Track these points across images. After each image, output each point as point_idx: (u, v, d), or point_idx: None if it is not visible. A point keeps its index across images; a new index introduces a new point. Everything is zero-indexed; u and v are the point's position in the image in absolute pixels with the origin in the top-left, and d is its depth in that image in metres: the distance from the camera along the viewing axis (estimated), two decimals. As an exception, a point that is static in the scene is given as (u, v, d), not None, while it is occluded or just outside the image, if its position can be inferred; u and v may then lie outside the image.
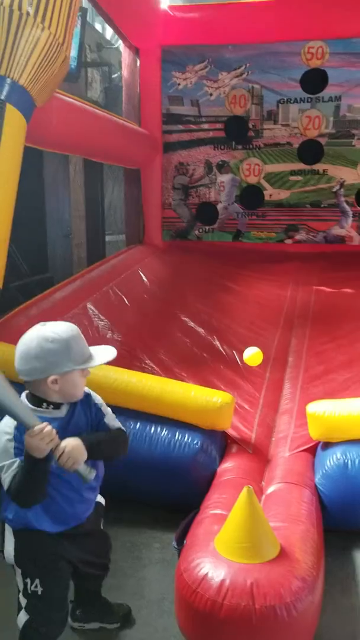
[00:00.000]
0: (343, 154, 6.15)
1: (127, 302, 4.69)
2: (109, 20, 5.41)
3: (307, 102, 6.09)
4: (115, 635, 2.10)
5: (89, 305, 4.23)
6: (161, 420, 2.72)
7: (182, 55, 6.24)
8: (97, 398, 1.84)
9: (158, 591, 2.29)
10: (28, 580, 1.74)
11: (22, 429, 1.57)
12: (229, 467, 2.69)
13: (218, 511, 2.23)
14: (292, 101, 6.13)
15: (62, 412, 1.72)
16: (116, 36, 8.39)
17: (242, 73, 6.17)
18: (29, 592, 1.74)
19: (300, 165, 6.25)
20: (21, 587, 1.76)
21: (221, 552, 1.92)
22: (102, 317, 4.14)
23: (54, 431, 1.56)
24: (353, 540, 2.61)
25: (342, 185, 6.20)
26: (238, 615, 1.75)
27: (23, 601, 1.77)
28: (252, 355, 2.99)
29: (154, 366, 3.61)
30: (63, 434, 1.63)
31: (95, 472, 1.68)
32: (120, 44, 8.37)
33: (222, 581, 1.81)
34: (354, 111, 6.00)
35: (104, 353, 1.74)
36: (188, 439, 2.70)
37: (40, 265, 7.09)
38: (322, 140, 6.15)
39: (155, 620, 2.15)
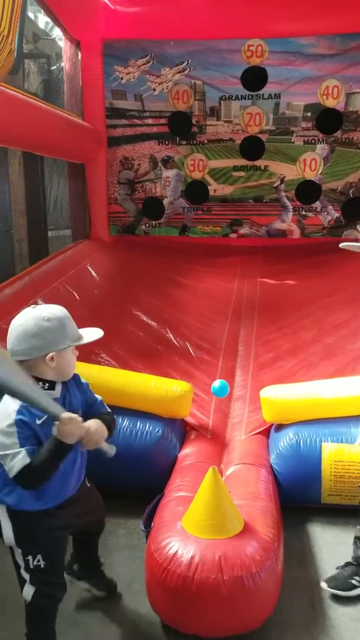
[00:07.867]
0: (283, 150, 6.35)
1: (77, 297, 4.70)
2: (48, 11, 5.35)
3: (248, 99, 6.24)
4: (92, 611, 2.17)
5: (40, 302, 4.22)
6: (122, 411, 2.79)
7: (124, 50, 6.25)
8: (82, 377, 1.92)
9: (127, 574, 2.37)
10: (30, 557, 1.78)
11: (25, 413, 1.63)
12: (189, 452, 2.80)
13: (182, 493, 2.34)
14: (233, 98, 6.27)
15: (57, 392, 1.77)
16: (51, 26, 8.26)
17: (184, 69, 6.26)
18: (32, 567, 1.78)
19: (243, 161, 6.41)
20: (22, 564, 1.80)
21: (189, 530, 2.02)
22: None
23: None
24: (307, 515, 2.78)
25: (282, 180, 6.41)
26: (209, 588, 1.87)
27: (26, 575, 1.80)
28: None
29: (109, 359, 3.66)
30: None
31: (115, 447, 1.73)
32: (56, 35, 8.25)
33: (192, 557, 1.92)
34: (292, 108, 6.21)
35: (92, 332, 1.83)
36: (149, 427, 2.79)
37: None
38: (263, 137, 6.33)
39: (126, 601, 2.23)
